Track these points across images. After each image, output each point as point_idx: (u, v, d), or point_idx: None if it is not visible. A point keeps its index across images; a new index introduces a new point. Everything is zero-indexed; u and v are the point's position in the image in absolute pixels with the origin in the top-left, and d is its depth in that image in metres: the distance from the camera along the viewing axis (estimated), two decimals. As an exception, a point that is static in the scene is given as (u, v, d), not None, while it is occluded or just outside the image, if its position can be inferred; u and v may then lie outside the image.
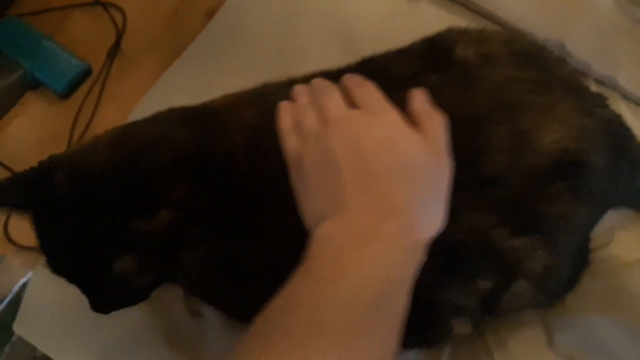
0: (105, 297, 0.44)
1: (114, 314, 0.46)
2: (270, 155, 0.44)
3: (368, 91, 0.43)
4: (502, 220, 0.41)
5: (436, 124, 0.40)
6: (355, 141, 0.39)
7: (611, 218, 0.55)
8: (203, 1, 1.07)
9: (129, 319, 0.50)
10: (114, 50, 0.98)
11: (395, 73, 0.49)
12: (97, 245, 0.41)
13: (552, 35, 0.63)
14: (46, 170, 0.45)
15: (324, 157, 0.39)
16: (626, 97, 0.63)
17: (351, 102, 0.42)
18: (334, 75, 0.50)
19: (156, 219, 0.40)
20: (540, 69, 0.49)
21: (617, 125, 0.51)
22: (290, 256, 0.39)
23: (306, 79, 0.50)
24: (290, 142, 0.43)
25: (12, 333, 0.62)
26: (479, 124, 0.42)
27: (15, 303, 0.75)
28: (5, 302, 0.78)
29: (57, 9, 0.99)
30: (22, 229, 0.88)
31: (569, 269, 0.49)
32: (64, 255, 0.43)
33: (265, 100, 0.48)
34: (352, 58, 0.54)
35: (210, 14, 1.06)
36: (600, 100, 0.53)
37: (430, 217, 0.38)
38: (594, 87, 0.63)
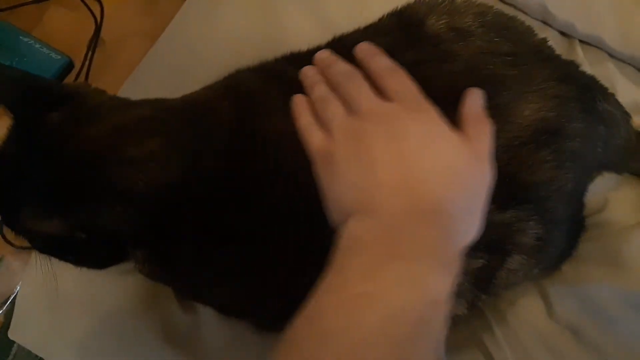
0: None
1: (107, 313, 0.46)
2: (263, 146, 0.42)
3: (403, 82, 0.40)
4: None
5: (484, 131, 0.39)
6: (395, 137, 0.37)
7: (603, 183, 0.55)
8: (179, -16, 1.05)
9: (124, 318, 0.50)
10: (94, 40, 0.97)
11: None
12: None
13: (532, -3, 0.61)
14: (57, 99, 0.43)
15: (359, 151, 0.37)
16: (612, 55, 0.62)
17: (379, 90, 0.40)
18: (304, 57, 0.49)
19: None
20: (512, 40, 0.48)
21: (593, 89, 0.50)
22: (295, 255, 0.38)
23: (278, 62, 0.49)
24: (315, 137, 0.40)
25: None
26: (457, 100, 0.42)
27: (17, 304, 0.76)
28: (8, 302, 0.79)
29: (32, 3, 0.97)
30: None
31: (564, 237, 0.48)
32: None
33: (238, 88, 0.47)
34: (327, 33, 0.52)
35: (187, -4, 1.05)
36: (572, 66, 0.53)
37: (468, 225, 0.37)
38: (579, 48, 0.62)
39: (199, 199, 0.41)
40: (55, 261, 0.43)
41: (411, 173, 0.35)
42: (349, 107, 0.40)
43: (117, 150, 0.40)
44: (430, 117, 0.38)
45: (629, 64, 0.62)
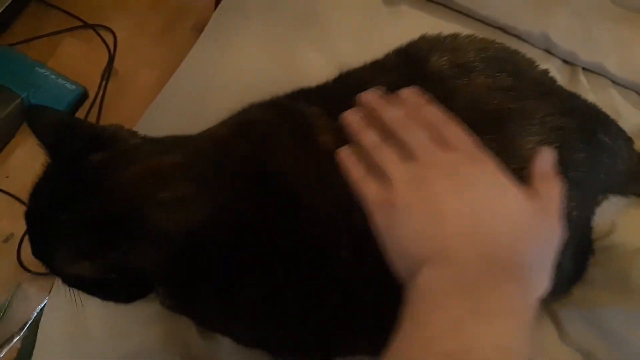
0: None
1: (127, 339, 0.47)
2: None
3: (459, 132, 0.39)
4: None
5: (553, 188, 0.39)
6: (462, 186, 0.36)
7: (611, 206, 0.55)
8: (190, 15, 1.08)
9: (143, 342, 0.51)
10: (108, 70, 1.00)
11: None
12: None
13: (535, 27, 0.63)
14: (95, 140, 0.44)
15: (424, 201, 0.35)
16: (615, 82, 0.64)
17: (434, 138, 0.39)
18: (314, 93, 0.50)
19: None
20: (513, 74, 0.49)
21: (594, 119, 0.51)
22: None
23: (289, 97, 0.50)
24: (371, 189, 0.38)
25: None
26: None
27: (35, 330, 0.77)
28: (25, 329, 0.81)
29: (48, 35, 1.01)
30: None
31: (572, 262, 0.49)
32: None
33: (252, 125, 0.48)
34: (335, 66, 0.53)
35: (198, 27, 1.07)
36: (574, 98, 0.54)
37: (541, 279, 0.36)
38: (582, 76, 0.63)
39: (222, 239, 0.42)
40: (80, 292, 0.44)
41: (482, 223, 0.35)
42: (404, 154, 0.38)
43: (151, 194, 0.41)
44: (492, 169, 0.37)
45: (631, 89, 0.64)
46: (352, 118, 0.43)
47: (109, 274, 0.41)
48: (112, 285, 0.43)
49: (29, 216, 0.44)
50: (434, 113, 0.40)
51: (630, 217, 0.56)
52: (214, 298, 0.44)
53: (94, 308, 0.45)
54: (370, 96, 0.44)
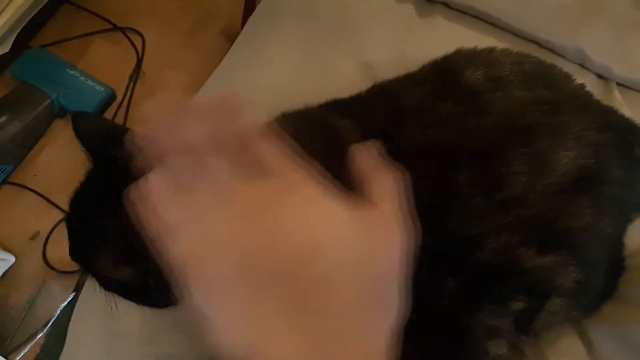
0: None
1: (160, 342, 0.47)
2: None
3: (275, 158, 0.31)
4: (527, 239, 0.42)
5: (385, 184, 0.31)
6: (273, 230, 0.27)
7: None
8: (218, 20, 1.09)
9: (175, 346, 0.51)
10: (136, 73, 1.01)
11: (406, 102, 0.48)
12: None
13: (569, 41, 0.62)
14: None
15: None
16: (649, 97, 0.63)
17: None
18: (347, 104, 0.50)
19: None
20: (550, 88, 0.49)
21: (631, 134, 0.51)
22: None
23: (322, 108, 0.50)
24: None
25: (57, 356, 0.65)
26: (498, 149, 0.42)
27: (58, 327, 0.78)
28: (49, 326, 0.82)
29: (78, 37, 1.03)
30: (60, 253, 0.92)
31: (603, 279, 0.48)
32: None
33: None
34: (369, 77, 0.53)
35: (225, 32, 1.09)
36: (611, 112, 0.53)
37: (383, 310, 0.29)
38: (616, 91, 0.63)
39: None
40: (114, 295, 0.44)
41: (303, 264, 0.27)
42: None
43: None
44: (306, 193, 0.29)
45: (665, 105, 0.63)
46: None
47: (148, 279, 0.41)
48: (150, 290, 0.43)
49: (69, 220, 0.44)
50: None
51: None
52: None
53: (127, 309, 0.46)
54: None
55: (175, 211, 0.29)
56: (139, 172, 0.43)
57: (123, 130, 0.49)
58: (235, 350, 0.27)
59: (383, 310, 0.29)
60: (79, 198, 0.45)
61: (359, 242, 0.28)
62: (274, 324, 0.27)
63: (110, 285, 0.43)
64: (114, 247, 0.40)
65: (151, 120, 0.30)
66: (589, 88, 0.60)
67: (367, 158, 0.32)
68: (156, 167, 0.30)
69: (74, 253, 0.44)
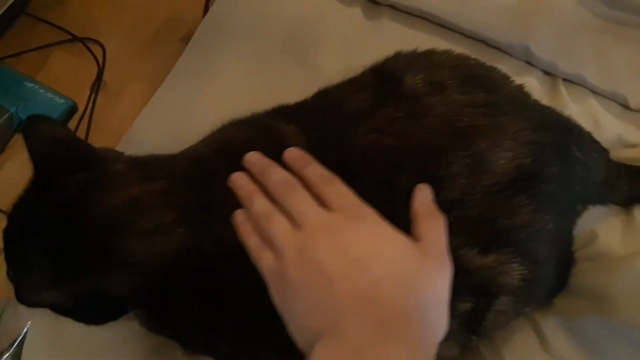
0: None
1: (111, 356, 0.47)
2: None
3: (339, 190, 0.39)
4: (469, 240, 0.42)
5: (436, 225, 0.39)
6: (344, 247, 0.36)
7: (591, 216, 0.56)
8: (179, 27, 1.08)
9: (127, 359, 0.51)
10: (97, 83, 1.00)
11: (349, 108, 0.48)
12: None
13: (516, 39, 0.64)
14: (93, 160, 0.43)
15: (312, 270, 0.36)
16: (595, 92, 0.65)
17: (319, 199, 0.39)
18: (292, 111, 0.51)
19: None
20: (488, 90, 0.49)
21: (567, 132, 0.52)
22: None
23: (268, 115, 0.50)
24: (265, 259, 0.39)
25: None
26: (436, 152, 0.43)
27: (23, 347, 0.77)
28: (15, 345, 0.80)
29: (37, 49, 1.00)
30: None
31: (552, 274, 0.49)
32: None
33: (230, 144, 0.48)
34: (318, 83, 0.54)
35: (187, 39, 1.08)
36: (548, 111, 0.54)
37: (436, 324, 0.36)
38: (562, 87, 0.64)
39: (202, 263, 0.42)
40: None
41: (366, 282, 0.35)
42: (292, 219, 0.38)
43: (129, 223, 0.41)
44: (372, 223, 0.38)
45: (611, 99, 0.65)
46: (239, 182, 0.43)
47: (80, 300, 0.41)
48: (84, 308, 0.43)
49: (6, 234, 0.44)
50: (317, 171, 0.41)
51: (610, 226, 0.57)
52: (190, 320, 0.44)
53: (77, 325, 0.45)
54: (255, 158, 0.44)
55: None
56: (80, 187, 0.43)
57: (73, 140, 0.48)
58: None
59: (437, 323, 0.36)
60: (17, 211, 0.44)
61: (420, 265, 0.36)
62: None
63: (41, 305, 0.42)
64: (40, 270, 0.39)
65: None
66: (535, 85, 0.62)
67: (426, 199, 0.40)
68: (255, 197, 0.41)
69: (7, 271, 0.43)
